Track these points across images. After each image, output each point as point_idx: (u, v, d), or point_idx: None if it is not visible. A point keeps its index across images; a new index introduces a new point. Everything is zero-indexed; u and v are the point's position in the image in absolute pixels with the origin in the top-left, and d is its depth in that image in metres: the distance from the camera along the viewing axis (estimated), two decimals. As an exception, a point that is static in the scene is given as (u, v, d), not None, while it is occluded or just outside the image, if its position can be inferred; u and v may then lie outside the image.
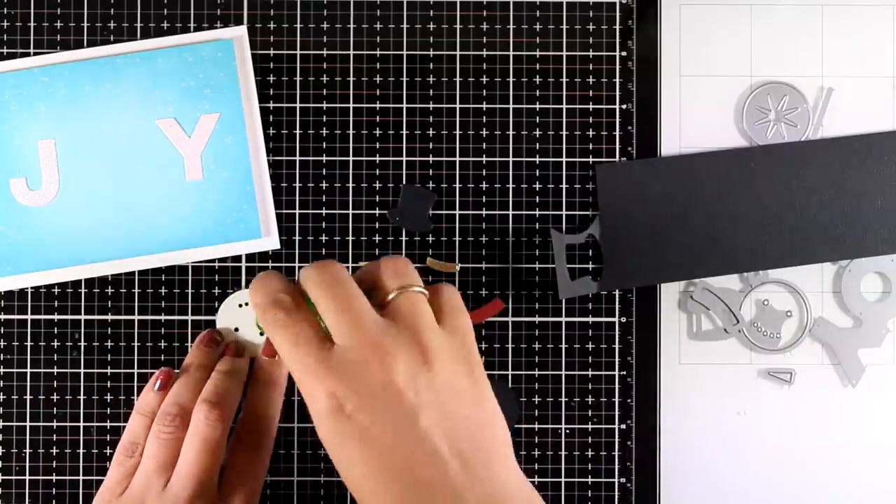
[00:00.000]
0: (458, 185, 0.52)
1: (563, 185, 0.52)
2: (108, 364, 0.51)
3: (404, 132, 0.52)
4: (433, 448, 0.37)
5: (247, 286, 0.51)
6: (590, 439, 0.52)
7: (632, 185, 0.52)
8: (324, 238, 0.52)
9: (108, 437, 0.51)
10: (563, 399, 0.52)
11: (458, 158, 0.52)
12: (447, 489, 0.36)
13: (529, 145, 0.52)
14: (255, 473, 0.48)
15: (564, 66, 0.52)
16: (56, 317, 0.52)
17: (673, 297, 0.52)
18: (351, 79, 0.52)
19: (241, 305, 0.51)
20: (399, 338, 0.38)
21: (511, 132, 0.52)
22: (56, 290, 0.51)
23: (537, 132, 0.52)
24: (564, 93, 0.52)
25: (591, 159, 0.52)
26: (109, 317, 0.52)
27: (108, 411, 0.51)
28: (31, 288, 0.51)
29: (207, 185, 0.51)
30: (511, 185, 0.52)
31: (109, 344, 0.51)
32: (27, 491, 0.51)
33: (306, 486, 0.52)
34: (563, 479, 0.52)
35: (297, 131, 0.52)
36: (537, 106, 0.52)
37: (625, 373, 0.52)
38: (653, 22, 0.53)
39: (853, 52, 0.53)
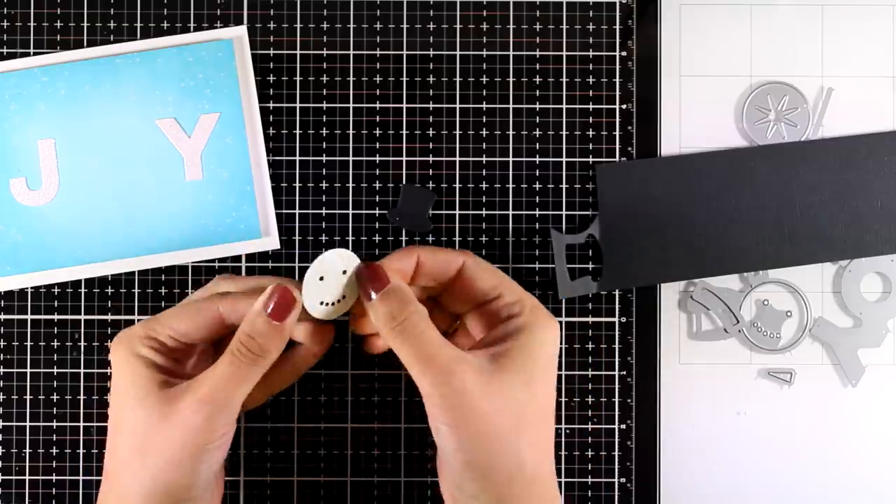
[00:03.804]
0: (458, 185, 0.52)
1: (563, 185, 0.52)
2: (108, 364, 0.51)
3: (404, 132, 0.52)
4: None
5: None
6: (590, 439, 0.52)
7: (632, 185, 0.52)
8: (324, 238, 0.52)
9: (108, 437, 0.51)
10: (563, 399, 0.52)
11: (458, 158, 0.52)
12: None
13: (529, 145, 0.52)
14: None
15: (564, 66, 0.52)
16: (56, 317, 0.52)
17: (673, 297, 0.52)
18: (351, 79, 0.52)
19: (321, 279, 0.43)
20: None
21: (511, 132, 0.52)
22: (56, 290, 0.52)
23: (537, 132, 0.52)
24: (564, 93, 0.52)
25: (591, 159, 0.52)
26: (109, 317, 0.52)
27: (108, 411, 0.51)
28: (31, 288, 0.51)
29: (207, 185, 0.51)
30: (511, 185, 0.52)
31: (109, 344, 0.51)
32: (27, 491, 0.51)
33: (306, 486, 0.52)
34: (563, 479, 0.52)
35: (297, 131, 0.52)
36: (537, 106, 0.52)
37: (625, 373, 0.52)
38: (653, 22, 0.53)
39: (853, 52, 0.53)
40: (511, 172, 0.52)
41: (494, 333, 0.42)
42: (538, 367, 0.41)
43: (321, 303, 0.43)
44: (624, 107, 0.53)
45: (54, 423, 0.51)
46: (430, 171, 0.52)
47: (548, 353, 0.42)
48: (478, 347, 0.42)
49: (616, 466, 0.52)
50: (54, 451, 0.51)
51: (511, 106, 0.52)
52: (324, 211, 0.52)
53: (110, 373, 0.43)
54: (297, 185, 0.52)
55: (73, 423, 0.51)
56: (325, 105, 0.52)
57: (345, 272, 0.43)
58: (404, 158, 0.52)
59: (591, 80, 0.52)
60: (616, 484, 0.52)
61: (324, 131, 0.52)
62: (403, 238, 0.52)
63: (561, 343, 0.52)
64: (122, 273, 0.51)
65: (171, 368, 0.42)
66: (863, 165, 0.52)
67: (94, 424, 0.51)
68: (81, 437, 0.51)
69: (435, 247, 0.44)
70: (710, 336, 0.52)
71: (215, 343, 0.46)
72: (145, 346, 0.42)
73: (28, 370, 0.51)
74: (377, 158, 0.52)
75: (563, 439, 0.52)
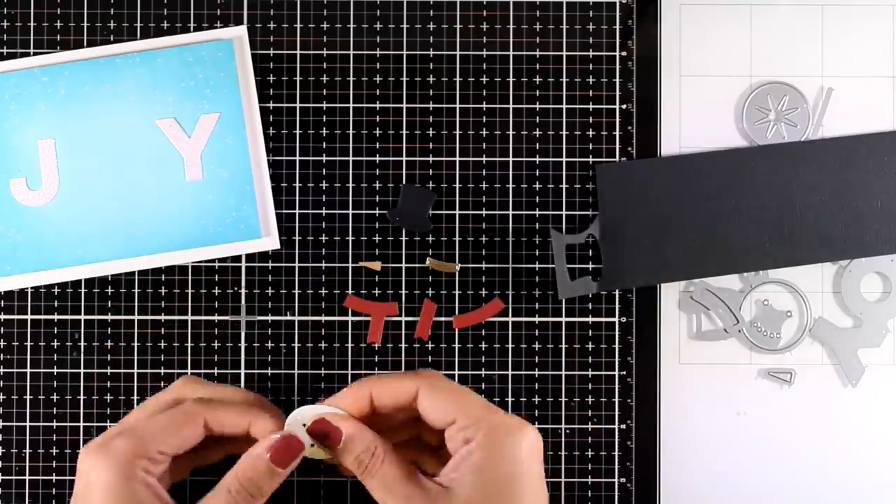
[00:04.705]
0: (458, 185, 0.52)
1: (563, 185, 0.52)
2: (108, 364, 0.51)
3: (404, 132, 0.52)
4: None
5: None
6: (590, 439, 0.52)
7: (632, 185, 0.52)
8: (324, 238, 0.52)
9: (108, 437, 0.51)
10: (563, 399, 0.52)
11: (458, 158, 0.52)
12: None
13: (529, 145, 0.52)
14: None
15: (564, 66, 0.52)
16: (56, 317, 0.52)
17: (673, 297, 0.52)
18: (351, 79, 0.52)
19: (304, 426, 0.44)
20: None
21: (511, 132, 0.52)
22: (56, 290, 0.51)
23: (537, 132, 0.52)
24: (564, 93, 0.52)
25: (591, 159, 0.52)
26: (109, 317, 0.52)
27: (108, 411, 0.51)
28: (31, 288, 0.51)
29: (207, 185, 0.51)
30: (511, 185, 0.52)
31: (109, 344, 0.51)
32: (27, 491, 0.51)
33: (306, 487, 0.52)
34: (563, 479, 0.52)
35: (297, 131, 0.52)
36: (537, 106, 0.52)
37: (625, 373, 0.52)
38: (653, 22, 0.53)
39: (853, 52, 0.53)
40: (511, 172, 0.52)
41: (454, 460, 0.42)
42: (496, 486, 0.41)
43: (311, 444, 0.44)
44: (624, 107, 0.53)
45: (54, 423, 0.51)
46: (430, 171, 0.52)
47: (506, 471, 0.41)
48: (442, 473, 0.42)
49: (616, 466, 0.52)
50: (54, 451, 0.51)
51: (511, 106, 0.52)
52: (324, 211, 0.52)
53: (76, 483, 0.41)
54: (297, 185, 0.52)
55: (73, 423, 0.51)
56: (325, 105, 0.52)
57: None
58: (404, 158, 0.52)
59: (591, 80, 0.52)
60: (616, 484, 0.52)
61: (324, 131, 0.52)
62: (403, 238, 0.52)
63: (561, 340, 0.52)
64: (122, 273, 0.51)
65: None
66: (863, 165, 0.52)
67: (94, 424, 0.51)
68: (81, 437, 0.51)
69: (388, 376, 0.44)
70: (710, 336, 0.52)
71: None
72: (143, 471, 0.40)
73: (28, 370, 0.51)
74: (377, 158, 0.52)
75: (563, 439, 0.52)
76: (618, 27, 0.53)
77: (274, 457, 0.41)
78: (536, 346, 0.52)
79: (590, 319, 0.52)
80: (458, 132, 0.52)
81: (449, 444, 0.43)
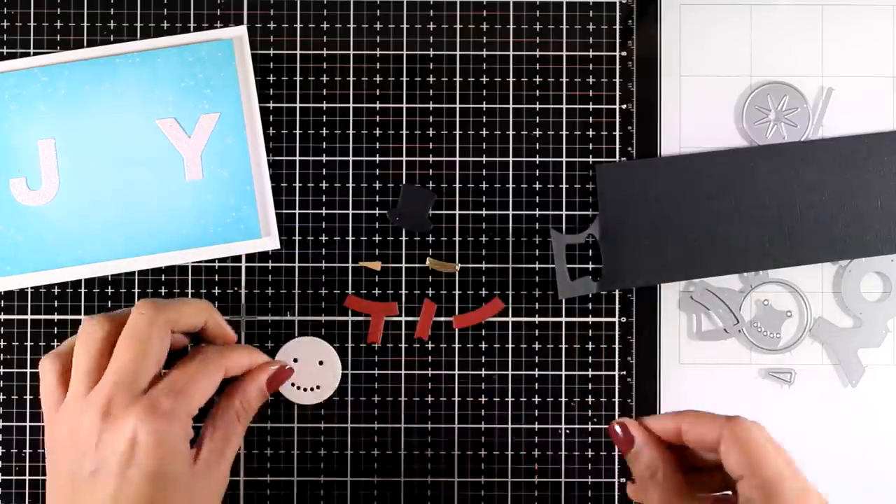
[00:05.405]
0: (458, 185, 0.52)
1: (563, 185, 0.52)
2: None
3: (404, 132, 0.52)
4: None
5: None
6: (590, 439, 0.52)
7: (632, 185, 0.52)
8: (324, 238, 0.52)
9: (108, 437, 0.51)
10: (563, 399, 0.52)
11: (458, 158, 0.52)
12: None
13: (529, 145, 0.52)
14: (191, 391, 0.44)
15: (564, 66, 0.52)
16: (56, 317, 0.52)
17: (673, 297, 0.52)
18: (351, 79, 0.52)
19: (295, 360, 0.51)
20: None
21: (511, 132, 0.52)
22: (56, 290, 0.52)
23: (537, 132, 0.52)
24: (564, 93, 0.52)
25: (591, 159, 0.52)
26: (109, 317, 0.52)
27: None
28: (31, 288, 0.51)
29: (207, 185, 0.51)
30: (511, 185, 0.52)
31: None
32: (27, 491, 0.51)
33: (306, 487, 0.52)
34: (563, 480, 0.52)
35: (297, 131, 0.52)
36: (537, 106, 0.52)
37: (625, 373, 0.52)
38: (653, 21, 0.53)
39: (853, 52, 0.53)
40: (511, 172, 0.52)
41: None
42: None
43: (292, 384, 0.51)
44: (624, 107, 0.53)
45: (54, 423, 0.51)
46: (430, 171, 0.52)
47: None
48: None
49: (616, 466, 0.52)
50: (54, 451, 0.51)
51: (511, 106, 0.52)
52: (324, 211, 0.52)
53: (135, 436, 0.41)
54: (297, 185, 0.52)
55: (73, 423, 0.51)
56: (325, 105, 0.52)
57: (321, 363, 0.51)
58: (404, 158, 0.52)
59: (591, 80, 0.52)
60: (616, 484, 0.52)
61: (324, 131, 0.52)
62: (403, 238, 0.52)
63: (561, 340, 0.52)
64: (122, 273, 0.51)
65: None
66: (863, 165, 0.52)
67: (94, 424, 0.51)
68: (81, 437, 0.51)
69: (701, 413, 0.43)
70: (710, 336, 0.52)
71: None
72: (190, 427, 0.43)
73: (28, 370, 0.51)
74: (377, 158, 0.52)
75: (563, 439, 0.52)
76: (618, 27, 0.53)
77: (268, 384, 0.47)
78: (536, 346, 0.52)
79: (590, 319, 0.52)
80: (458, 132, 0.52)
81: (740, 500, 0.40)
